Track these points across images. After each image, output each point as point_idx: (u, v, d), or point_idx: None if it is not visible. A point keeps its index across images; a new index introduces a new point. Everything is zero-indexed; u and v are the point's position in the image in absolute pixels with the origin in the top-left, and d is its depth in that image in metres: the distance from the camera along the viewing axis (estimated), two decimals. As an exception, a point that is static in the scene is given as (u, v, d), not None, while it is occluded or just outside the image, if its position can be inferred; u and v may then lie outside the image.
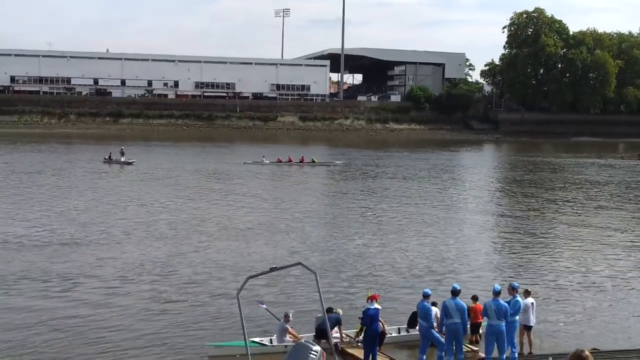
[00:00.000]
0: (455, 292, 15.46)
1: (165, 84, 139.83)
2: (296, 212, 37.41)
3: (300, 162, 65.75)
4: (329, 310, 15.77)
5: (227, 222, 33.40)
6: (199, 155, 75.89)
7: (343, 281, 22.55)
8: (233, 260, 25.22)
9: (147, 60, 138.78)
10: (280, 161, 65.29)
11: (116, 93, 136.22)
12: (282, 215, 35.94)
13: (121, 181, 50.17)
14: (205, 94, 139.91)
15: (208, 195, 43.46)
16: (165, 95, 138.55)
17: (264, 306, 16.89)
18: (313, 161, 66.44)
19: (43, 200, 39.18)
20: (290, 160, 65.77)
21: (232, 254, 26.34)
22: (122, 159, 61.05)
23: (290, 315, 16.35)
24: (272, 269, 11.37)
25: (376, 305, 15.64)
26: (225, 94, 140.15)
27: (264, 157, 65.93)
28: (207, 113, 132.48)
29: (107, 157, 62.29)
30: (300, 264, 11.88)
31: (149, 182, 49.74)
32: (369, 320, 15.37)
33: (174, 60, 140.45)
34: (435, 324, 15.52)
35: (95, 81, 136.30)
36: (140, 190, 44.53)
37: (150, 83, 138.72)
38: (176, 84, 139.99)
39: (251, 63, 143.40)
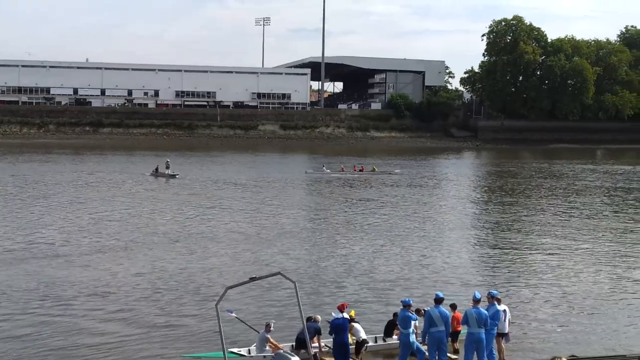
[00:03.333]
0: (438, 300, 15.43)
1: (146, 93, 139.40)
2: (287, 220, 37.56)
3: (361, 170, 67.47)
4: (309, 319, 15.71)
5: (225, 231, 33.61)
6: (238, 166, 76.02)
7: (324, 290, 22.52)
8: (219, 268, 25.28)
9: (127, 69, 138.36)
10: (342, 170, 67.80)
11: (96, 103, 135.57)
12: (271, 225, 35.93)
13: (165, 194, 49.67)
14: (186, 103, 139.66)
15: (237, 205, 43.44)
16: (146, 105, 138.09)
17: (234, 314, 16.79)
18: (373, 170, 68.02)
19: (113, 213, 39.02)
20: (355, 169, 67.95)
21: (219, 262, 26.44)
22: (167, 172, 60.56)
23: (272, 325, 16.25)
24: (251, 279, 11.36)
25: (344, 315, 15.62)
26: (205, 103, 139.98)
27: (324, 166, 69.17)
28: (187, 122, 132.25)
29: (154, 170, 61.75)
30: (279, 273, 11.86)
31: (188, 195, 48.91)
32: (334, 330, 15.36)
33: (154, 70, 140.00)
34: (416, 333, 15.52)
35: (75, 91, 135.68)
36: (174, 203, 44.09)
37: (130, 92, 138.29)
38: (156, 93, 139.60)
39: (232, 72, 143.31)
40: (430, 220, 38.45)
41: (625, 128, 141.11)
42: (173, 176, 59.32)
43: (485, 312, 15.27)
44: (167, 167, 61.36)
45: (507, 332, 16.29)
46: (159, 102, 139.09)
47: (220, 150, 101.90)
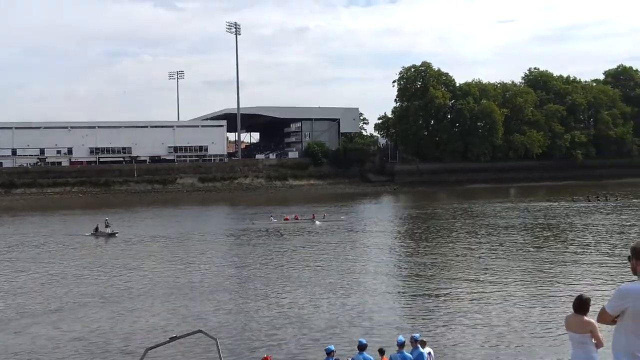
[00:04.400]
0: (362, 347, 15.68)
1: (59, 152, 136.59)
2: (219, 274, 37.82)
3: (312, 218, 68.31)
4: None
5: (158, 287, 33.69)
6: (163, 220, 75.00)
7: (251, 344, 22.50)
8: (147, 327, 25.25)
9: (39, 128, 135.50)
10: (287, 219, 68.14)
11: (7, 163, 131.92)
12: (202, 279, 36.09)
13: (103, 252, 49.45)
14: (101, 159, 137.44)
15: (169, 261, 43.65)
16: (59, 163, 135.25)
17: None
18: (324, 216, 69.40)
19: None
20: (296, 218, 68.73)
21: (153, 320, 26.50)
22: (107, 230, 59.37)
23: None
24: (172, 339, 11.21)
25: None
26: (121, 159, 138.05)
27: (271, 216, 69.72)
28: (103, 179, 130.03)
29: (94, 230, 60.44)
30: (200, 331, 11.81)
31: (123, 252, 48.75)
32: None
33: (67, 127, 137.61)
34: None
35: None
36: (109, 262, 43.75)
37: (42, 151, 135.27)
38: (70, 151, 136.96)
39: (147, 126, 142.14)
40: (357, 267, 39.03)
41: (535, 166, 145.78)
42: (113, 235, 58.56)
43: (410, 355, 15.58)
44: (107, 226, 60.36)
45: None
46: (72, 159, 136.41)
47: (140, 205, 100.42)
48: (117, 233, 59.06)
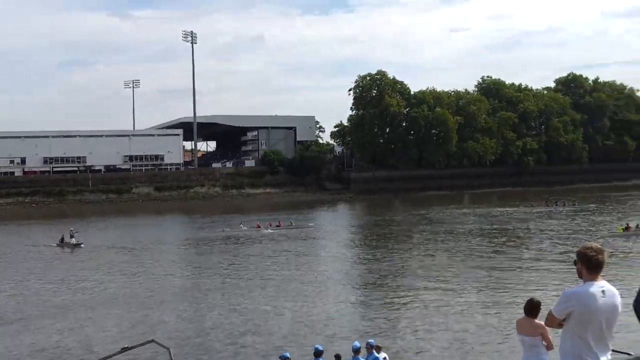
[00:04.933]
0: (318, 353, 15.86)
1: (12, 161, 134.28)
2: (180, 283, 38.01)
3: (278, 226, 68.45)
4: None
5: (117, 297, 33.83)
6: (123, 230, 74.37)
7: (205, 353, 22.49)
8: (104, 337, 25.17)
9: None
10: (258, 227, 68.11)
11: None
12: (162, 288, 36.26)
13: (66, 263, 49.08)
14: (55, 169, 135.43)
15: (130, 270, 43.65)
16: (12, 173, 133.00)
17: None
18: (291, 224, 69.86)
19: None
20: (270, 225, 68.80)
21: (112, 330, 26.49)
22: (72, 241, 58.41)
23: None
24: (123, 349, 11.12)
25: None
26: (76, 168, 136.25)
27: (241, 224, 69.73)
28: (57, 189, 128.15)
29: (60, 240, 59.47)
30: (153, 341, 11.78)
31: (84, 262, 48.60)
32: None
33: (19, 137, 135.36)
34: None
35: None
36: (71, 272, 43.78)
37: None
38: (23, 161, 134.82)
39: (102, 135, 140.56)
40: (316, 275, 39.27)
41: (488, 173, 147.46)
42: (78, 245, 57.79)
43: (365, 361, 15.79)
44: (72, 237, 59.57)
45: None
46: (26, 169, 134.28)
47: (95, 215, 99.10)
48: (82, 244, 58.26)
